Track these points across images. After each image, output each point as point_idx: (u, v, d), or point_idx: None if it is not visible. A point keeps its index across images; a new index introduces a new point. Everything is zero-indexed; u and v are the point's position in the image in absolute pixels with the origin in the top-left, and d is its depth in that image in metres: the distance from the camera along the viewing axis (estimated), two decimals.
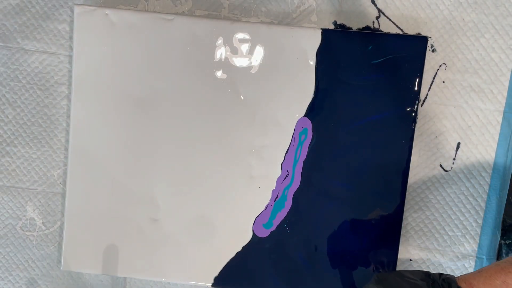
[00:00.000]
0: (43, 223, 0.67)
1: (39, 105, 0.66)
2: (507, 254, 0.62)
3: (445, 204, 0.63)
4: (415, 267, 0.64)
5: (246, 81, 0.61)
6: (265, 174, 0.61)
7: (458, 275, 0.46)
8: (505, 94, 0.61)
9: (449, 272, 0.63)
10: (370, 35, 0.60)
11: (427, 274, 0.46)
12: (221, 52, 0.61)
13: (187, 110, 0.61)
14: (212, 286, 0.63)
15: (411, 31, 0.62)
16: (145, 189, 0.62)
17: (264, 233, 0.62)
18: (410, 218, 0.63)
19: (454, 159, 0.62)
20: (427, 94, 0.62)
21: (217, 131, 0.61)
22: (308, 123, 0.61)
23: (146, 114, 0.62)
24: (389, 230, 0.61)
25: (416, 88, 0.59)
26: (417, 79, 0.59)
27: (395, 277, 0.46)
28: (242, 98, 0.61)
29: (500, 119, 0.62)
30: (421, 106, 0.62)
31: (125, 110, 0.62)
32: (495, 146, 0.62)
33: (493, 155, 0.62)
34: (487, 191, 0.62)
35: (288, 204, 0.61)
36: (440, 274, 0.46)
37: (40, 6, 0.65)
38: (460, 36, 0.62)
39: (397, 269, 0.62)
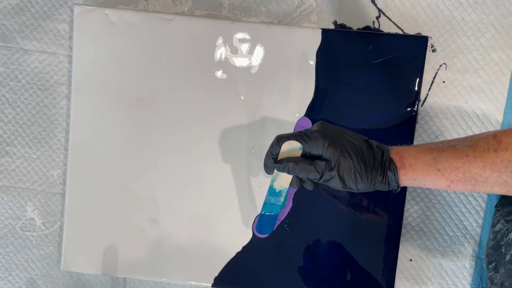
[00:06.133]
0: (43, 223, 0.67)
1: (39, 105, 0.66)
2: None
3: (445, 204, 0.63)
4: (415, 267, 0.64)
5: (246, 81, 0.61)
6: (265, 174, 0.61)
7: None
8: (505, 94, 0.61)
9: (449, 272, 0.64)
10: (370, 35, 0.60)
11: (365, 140, 0.46)
12: (221, 52, 0.60)
13: (187, 110, 0.61)
14: (212, 286, 0.63)
15: (411, 31, 0.62)
16: (145, 189, 0.62)
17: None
18: (410, 218, 0.63)
19: None
20: (427, 94, 0.62)
21: (217, 131, 0.61)
22: (308, 123, 0.61)
23: (146, 114, 0.62)
24: (389, 230, 0.61)
25: (416, 88, 0.59)
26: (417, 79, 0.59)
27: (337, 131, 0.46)
28: (242, 98, 0.61)
29: (500, 118, 0.62)
30: (421, 106, 0.62)
31: (125, 110, 0.62)
32: None
33: None
34: None
35: (288, 204, 0.61)
36: (377, 142, 0.47)
37: (40, 6, 0.65)
38: (460, 36, 0.62)
39: (397, 269, 0.62)
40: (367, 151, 0.45)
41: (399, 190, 0.46)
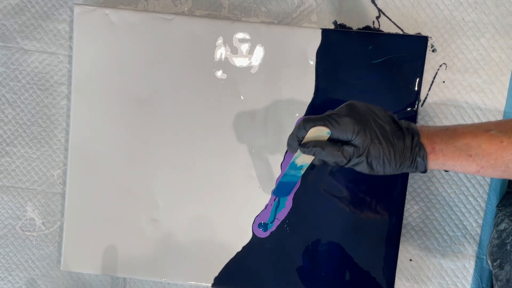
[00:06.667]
0: (43, 223, 0.67)
1: (39, 105, 0.66)
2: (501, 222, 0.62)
3: (445, 204, 0.63)
4: (415, 267, 0.64)
5: (246, 81, 0.61)
6: (265, 174, 0.61)
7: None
8: (505, 94, 0.61)
9: (449, 272, 0.64)
10: (370, 35, 0.60)
11: (394, 121, 0.45)
12: (221, 52, 0.60)
13: (187, 110, 0.61)
14: (212, 286, 0.63)
15: (411, 31, 0.62)
16: (145, 189, 0.62)
17: (264, 233, 0.62)
18: (410, 218, 0.63)
19: None
20: (427, 94, 0.62)
21: (217, 131, 0.61)
22: None
23: (146, 114, 0.62)
24: (389, 230, 0.61)
25: (416, 88, 0.59)
26: (417, 79, 0.59)
27: (366, 113, 0.44)
28: (242, 98, 0.61)
29: (500, 119, 0.62)
30: (421, 106, 0.62)
31: (125, 110, 0.62)
32: None
33: None
34: (487, 191, 0.62)
35: (288, 204, 0.61)
36: (406, 123, 0.45)
37: (40, 6, 0.65)
38: (460, 36, 0.61)
39: (397, 269, 0.62)
40: (397, 134, 0.44)
41: (426, 172, 0.45)
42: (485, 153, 0.42)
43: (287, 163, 0.61)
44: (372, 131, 0.43)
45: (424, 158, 0.43)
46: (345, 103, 0.46)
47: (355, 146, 0.43)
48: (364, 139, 0.43)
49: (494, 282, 0.56)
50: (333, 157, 0.44)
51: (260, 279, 0.62)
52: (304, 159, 0.48)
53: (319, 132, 0.44)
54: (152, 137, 0.62)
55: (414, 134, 0.44)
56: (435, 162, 0.44)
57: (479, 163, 0.42)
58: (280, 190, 0.56)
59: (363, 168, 0.44)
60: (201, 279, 0.63)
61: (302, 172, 0.50)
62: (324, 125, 0.43)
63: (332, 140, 0.44)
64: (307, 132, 0.44)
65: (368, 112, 0.44)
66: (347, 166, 0.45)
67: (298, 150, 0.46)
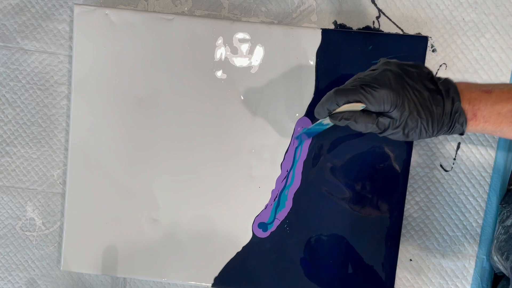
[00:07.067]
0: (43, 223, 0.67)
1: (39, 105, 0.66)
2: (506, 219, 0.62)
3: (445, 204, 0.63)
4: (415, 267, 0.64)
5: (246, 81, 0.61)
6: (265, 174, 0.61)
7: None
8: None
9: (449, 272, 0.63)
10: (370, 35, 0.60)
11: (433, 81, 0.41)
12: (221, 52, 0.60)
13: (187, 111, 0.61)
14: (212, 286, 0.63)
15: (411, 31, 0.62)
16: (145, 189, 0.62)
17: (264, 233, 0.62)
18: (410, 218, 0.63)
19: (454, 159, 0.62)
20: None
21: (217, 131, 0.61)
22: (308, 123, 0.61)
23: (146, 114, 0.62)
24: (389, 230, 0.61)
25: None
26: None
27: (402, 77, 0.41)
28: (242, 98, 0.61)
29: None
30: None
31: (125, 110, 0.62)
32: (495, 146, 0.62)
33: (493, 155, 0.62)
34: (487, 191, 0.62)
35: (288, 204, 0.61)
36: (445, 82, 0.42)
37: (40, 6, 0.65)
38: (460, 36, 0.61)
39: (397, 269, 0.62)
40: (436, 100, 0.41)
41: (463, 135, 0.43)
42: None
43: (287, 163, 0.61)
44: (411, 103, 0.41)
45: (464, 124, 0.41)
46: (379, 65, 0.42)
47: (391, 117, 0.41)
48: (402, 112, 0.41)
49: (507, 274, 0.56)
50: (367, 129, 0.42)
51: (260, 279, 0.62)
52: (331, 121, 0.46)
53: (352, 107, 0.41)
54: (152, 137, 0.62)
55: (455, 98, 0.41)
56: (474, 128, 0.42)
57: None
58: (305, 134, 0.58)
59: (398, 137, 0.42)
60: (201, 279, 0.63)
61: (328, 127, 0.50)
62: (359, 101, 0.41)
63: (365, 110, 0.42)
64: (339, 107, 0.42)
65: (405, 77, 0.41)
66: (381, 136, 0.43)
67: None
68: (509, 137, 0.42)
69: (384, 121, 0.42)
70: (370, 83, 0.41)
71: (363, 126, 0.42)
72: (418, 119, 0.41)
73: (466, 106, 0.41)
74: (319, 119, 0.47)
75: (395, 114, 0.41)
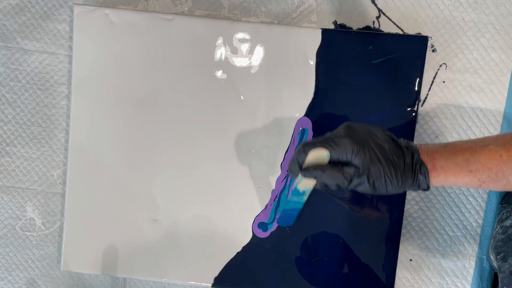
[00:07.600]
0: (42, 223, 0.67)
1: (39, 105, 0.66)
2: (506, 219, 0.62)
3: (445, 204, 0.63)
4: (415, 267, 0.64)
5: (246, 81, 0.61)
6: (265, 174, 0.61)
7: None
8: (505, 94, 0.61)
9: (449, 272, 0.64)
10: (370, 35, 0.60)
11: (393, 139, 0.45)
12: (221, 52, 0.60)
13: (187, 111, 0.61)
14: (212, 286, 0.63)
15: (411, 31, 0.62)
16: (145, 189, 0.62)
17: (264, 233, 0.62)
18: (410, 218, 0.63)
19: None
20: (427, 94, 0.62)
21: (217, 131, 0.61)
22: (308, 123, 0.61)
23: (146, 114, 0.62)
24: (389, 230, 0.61)
25: (416, 88, 0.59)
26: (417, 79, 0.59)
27: (364, 133, 0.44)
28: (242, 98, 0.61)
29: (500, 119, 0.62)
30: (421, 106, 0.62)
31: (125, 110, 0.62)
32: None
33: None
34: (487, 191, 0.62)
35: None
36: (405, 141, 0.45)
37: (40, 6, 0.65)
38: (460, 36, 0.61)
39: (397, 269, 0.62)
40: (396, 153, 0.44)
41: (428, 190, 0.45)
42: (485, 168, 0.42)
43: (287, 163, 0.61)
44: (371, 150, 0.43)
45: (426, 175, 0.43)
46: (343, 125, 0.46)
47: (355, 166, 0.44)
48: (363, 159, 0.43)
49: (498, 274, 0.57)
50: (334, 179, 0.44)
51: (260, 279, 0.62)
52: (306, 184, 0.48)
53: (319, 155, 0.44)
54: (152, 137, 0.62)
55: (414, 152, 0.44)
56: (437, 179, 0.44)
57: (480, 178, 0.42)
58: (283, 219, 0.55)
59: (365, 188, 0.44)
60: (201, 279, 0.63)
61: (305, 198, 0.50)
62: (323, 147, 0.44)
63: (332, 163, 0.44)
64: (306, 155, 0.44)
65: (366, 132, 0.45)
66: (349, 188, 0.45)
67: (300, 175, 0.46)
68: (472, 186, 0.44)
69: (349, 170, 0.44)
70: (334, 134, 0.45)
71: (331, 176, 0.44)
72: (380, 166, 0.43)
73: (425, 158, 0.44)
74: (294, 180, 0.49)
75: (357, 161, 0.43)
